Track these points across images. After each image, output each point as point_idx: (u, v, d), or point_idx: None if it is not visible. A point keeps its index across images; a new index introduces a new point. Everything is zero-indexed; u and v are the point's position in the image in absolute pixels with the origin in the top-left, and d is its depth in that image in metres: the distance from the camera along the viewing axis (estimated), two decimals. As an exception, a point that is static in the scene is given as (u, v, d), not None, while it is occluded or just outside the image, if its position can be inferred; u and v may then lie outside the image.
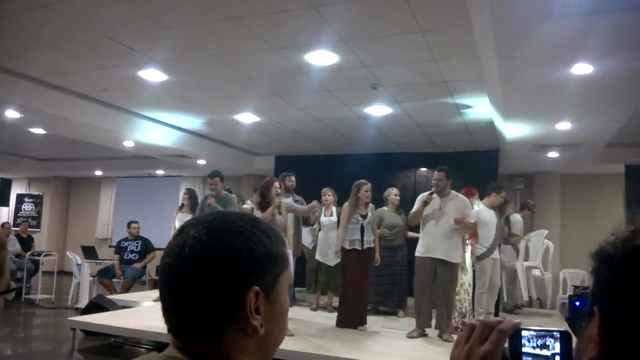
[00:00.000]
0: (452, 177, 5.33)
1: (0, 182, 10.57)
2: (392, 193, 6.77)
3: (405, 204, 6.67)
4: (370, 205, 5.79)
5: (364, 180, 5.77)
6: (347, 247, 5.66)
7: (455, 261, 5.18)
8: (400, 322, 6.03)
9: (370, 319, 5.97)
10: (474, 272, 5.84)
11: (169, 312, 0.79)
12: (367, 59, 4.80)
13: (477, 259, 5.88)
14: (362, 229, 5.64)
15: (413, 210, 5.38)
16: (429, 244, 5.19)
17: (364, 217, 5.66)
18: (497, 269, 6.14)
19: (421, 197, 5.42)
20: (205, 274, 0.75)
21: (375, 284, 6.36)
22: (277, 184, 5.36)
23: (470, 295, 5.71)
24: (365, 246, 5.65)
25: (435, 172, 5.36)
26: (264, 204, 5.21)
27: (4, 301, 1.00)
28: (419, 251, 5.27)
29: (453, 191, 5.33)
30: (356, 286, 5.62)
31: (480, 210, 6.01)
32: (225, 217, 0.82)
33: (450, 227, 5.16)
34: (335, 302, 6.58)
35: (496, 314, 6.05)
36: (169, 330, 0.79)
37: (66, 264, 11.04)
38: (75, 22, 4.21)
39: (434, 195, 5.26)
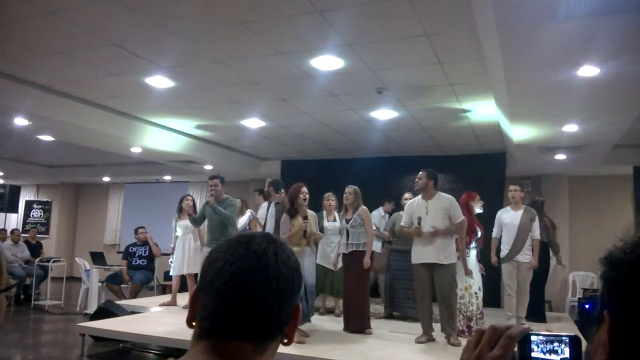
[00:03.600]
0: (435, 179, 5.25)
1: (9, 189, 10.64)
2: (404, 197, 6.71)
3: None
4: (362, 207, 5.72)
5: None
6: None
7: (447, 262, 5.07)
8: (408, 327, 5.99)
9: (379, 323, 5.95)
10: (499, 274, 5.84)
11: (237, 310, 0.82)
12: (372, 63, 4.80)
13: (501, 261, 5.97)
14: (347, 232, 5.70)
15: (405, 229, 5.38)
16: (419, 249, 5.18)
17: (348, 220, 5.72)
18: (524, 272, 5.90)
19: (409, 205, 5.45)
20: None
21: (390, 288, 6.35)
22: (304, 189, 5.27)
23: (480, 298, 5.66)
24: (349, 249, 5.67)
25: None
26: (292, 212, 5.17)
27: (6, 300, 1.03)
28: (413, 258, 5.26)
29: (439, 192, 5.28)
30: (348, 289, 5.67)
31: (501, 211, 5.99)
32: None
33: (437, 228, 5.08)
34: (341, 305, 6.58)
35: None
36: (210, 330, 0.82)
37: (75, 270, 11.10)
38: (82, 29, 4.25)
39: (420, 200, 5.28)
